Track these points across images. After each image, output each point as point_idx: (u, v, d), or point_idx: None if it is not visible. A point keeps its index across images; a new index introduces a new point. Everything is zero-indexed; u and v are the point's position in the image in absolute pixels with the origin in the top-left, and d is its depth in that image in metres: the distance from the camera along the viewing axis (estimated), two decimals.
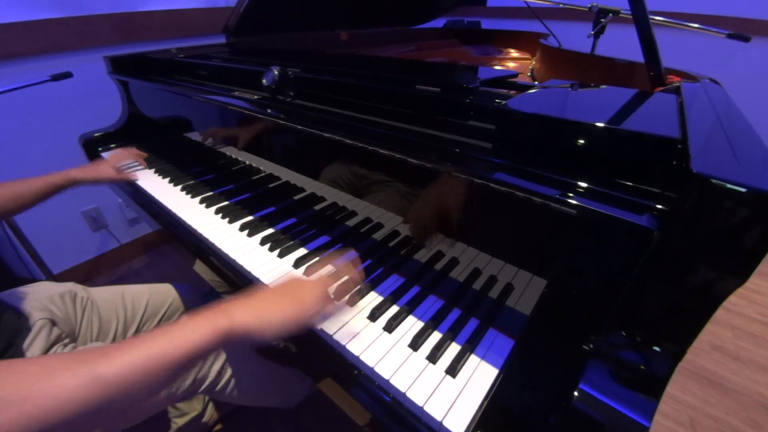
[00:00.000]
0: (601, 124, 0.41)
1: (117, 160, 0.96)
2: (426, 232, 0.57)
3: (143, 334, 0.36)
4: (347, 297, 0.54)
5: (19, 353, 0.59)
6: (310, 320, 0.44)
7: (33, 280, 0.95)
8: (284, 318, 0.42)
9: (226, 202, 0.83)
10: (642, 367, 0.38)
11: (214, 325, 0.38)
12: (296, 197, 0.77)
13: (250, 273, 0.62)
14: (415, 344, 0.49)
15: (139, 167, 1.02)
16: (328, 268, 0.52)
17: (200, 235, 0.73)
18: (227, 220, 0.76)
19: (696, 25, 1.02)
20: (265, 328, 0.40)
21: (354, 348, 0.49)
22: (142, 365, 0.33)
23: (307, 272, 0.61)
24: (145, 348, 0.34)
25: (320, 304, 0.45)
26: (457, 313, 0.54)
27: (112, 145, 1.18)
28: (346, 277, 0.51)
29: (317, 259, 0.64)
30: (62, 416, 0.30)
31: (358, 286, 0.55)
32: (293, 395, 0.99)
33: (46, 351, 0.62)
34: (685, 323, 0.37)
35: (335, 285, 0.50)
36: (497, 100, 0.51)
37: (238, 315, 0.39)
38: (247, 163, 0.84)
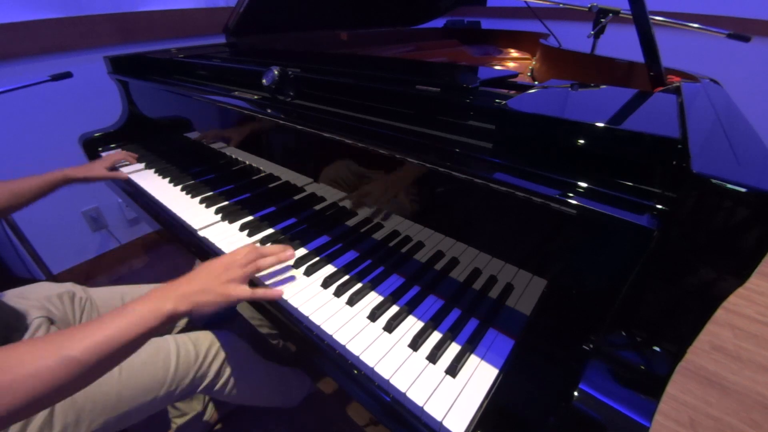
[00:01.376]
0: (601, 124, 0.41)
1: (110, 161, 0.98)
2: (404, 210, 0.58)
3: (102, 317, 0.43)
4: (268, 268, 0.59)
5: None
6: (234, 296, 0.52)
7: (33, 280, 0.95)
8: (214, 301, 0.50)
9: (226, 202, 0.83)
10: (642, 367, 0.38)
11: (160, 310, 0.45)
12: (296, 197, 0.77)
13: None
14: (415, 344, 0.49)
15: (131, 165, 1.03)
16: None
17: (200, 235, 0.73)
18: (227, 220, 0.76)
19: (696, 25, 1.02)
20: (200, 309, 0.49)
21: (354, 348, 0.49)
22: (104, 347, 0.40)
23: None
24: (106, 331, 0.41)
25: (238, 283, 0.53)
26: (457, 313, 0.54)
27: (112, 145, 1.18)
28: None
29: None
30: (46, 392, 0.36)
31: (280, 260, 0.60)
32: (293, 395, 0.99)
33: None
34: (685, 323, 0.37)
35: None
36: (497, 100, 0.51)
37: (179, 302, 0.47)
38: (247, 163, 0.84)
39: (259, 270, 0.56)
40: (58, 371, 0.36)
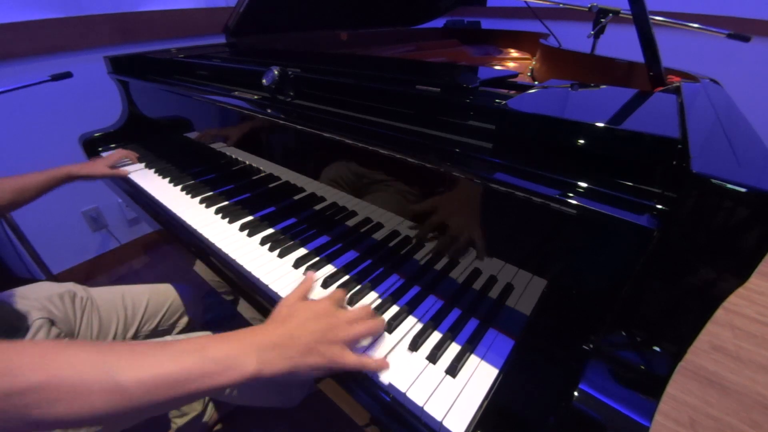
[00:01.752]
0: (601, 124, 0.41)
1: (113, 159, 0.99)
2: (430, 232, 0.57)
3: (169, 346, 0.35)
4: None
5: None
6: (343, 364, 0.42)
7: (33, 280, 0.95)
8: (320, 365, 0.41)
9: (226, 202, 0.83)
10: (642, 367, 0.38)
11: (242, 368, 0.36)
12: (296, 197, 0.77)
13: (250, 273, 0.62)
14: (415, 344, 0.49)
15: (132, 164, 1.04)
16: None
17: (200, 235, 0.73)
18: (227, 220, 0.76)
19: (696, 25, 1.02)
20: (298, 375, 0.40)
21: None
22: (161, 387, 0.32)
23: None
24: (169, 368, 0.33)
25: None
26: (457, 313, 0.54)
27: (112, 145, 1.18)
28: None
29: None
30: (74, 411, 0.29)
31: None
32: (293, 395, 0.99)
33: None
34: (685, 323, 0.37)
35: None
36: (497, 100, 0.51)
37: (269, 363, 0.38)
38: (247, 163, 0.84)
39: (365, 335, 0.46)
40: (98, 393, 0.30)
